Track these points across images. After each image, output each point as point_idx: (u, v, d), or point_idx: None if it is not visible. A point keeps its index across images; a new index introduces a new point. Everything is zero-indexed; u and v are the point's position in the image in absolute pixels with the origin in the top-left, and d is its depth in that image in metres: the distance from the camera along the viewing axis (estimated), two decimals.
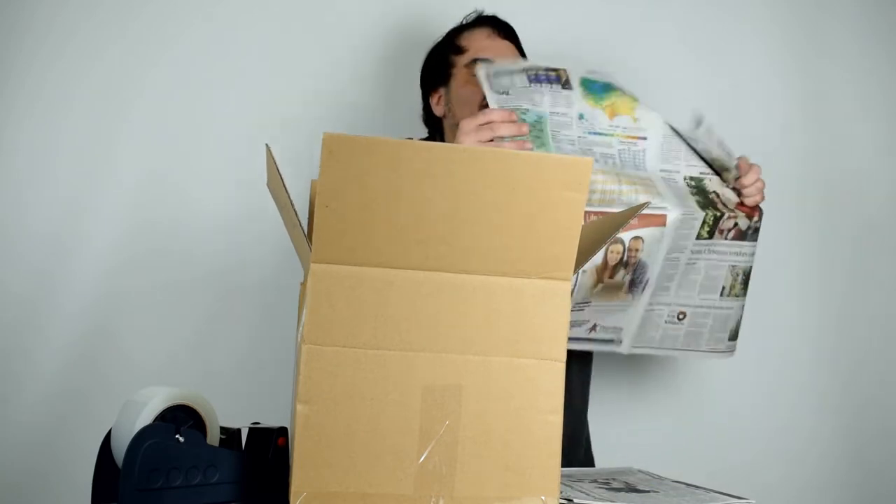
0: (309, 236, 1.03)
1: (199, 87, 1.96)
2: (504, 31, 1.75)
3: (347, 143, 0.98)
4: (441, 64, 1.76)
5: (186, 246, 1.93)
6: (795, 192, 2.11)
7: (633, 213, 1.20)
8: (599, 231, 1.20)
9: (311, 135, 1.09)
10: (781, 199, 1.84)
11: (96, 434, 1.12)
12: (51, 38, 1.91)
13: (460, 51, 1.74)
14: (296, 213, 1.06)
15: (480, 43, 1.73)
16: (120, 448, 1.05)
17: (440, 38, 1.79)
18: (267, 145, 1.11)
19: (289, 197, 1.06)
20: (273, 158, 1.09)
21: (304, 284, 1.07)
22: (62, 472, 1.80)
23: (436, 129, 1.81)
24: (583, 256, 1.10)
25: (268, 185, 1.17)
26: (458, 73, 1.73)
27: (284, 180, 1.06)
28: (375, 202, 1.00)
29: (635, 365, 2.01)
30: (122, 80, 1.93)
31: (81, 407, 1.83)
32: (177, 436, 1.03)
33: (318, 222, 1.00)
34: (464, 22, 1.78)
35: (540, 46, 1.80)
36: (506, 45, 1.73)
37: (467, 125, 1.48)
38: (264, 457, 1.09)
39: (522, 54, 1.76)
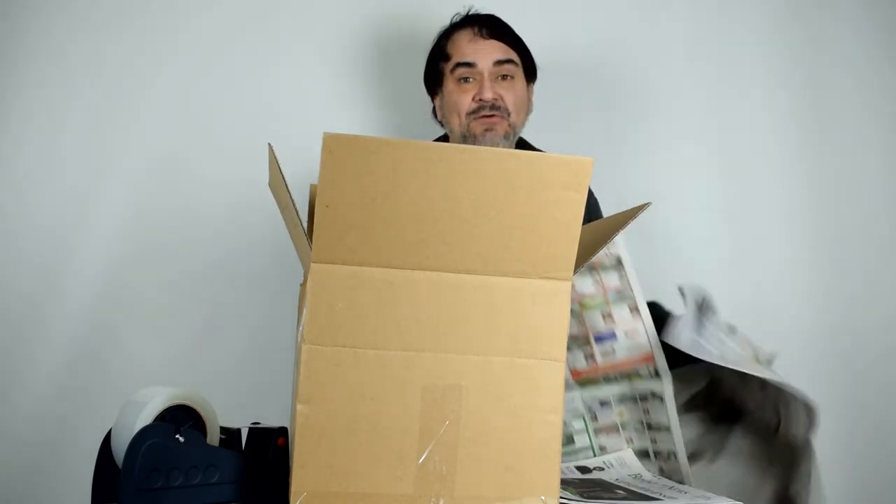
0: (309, 236, 1.03)
1: (200, 86, 1.96)
2: (489, 28, 1.70)
3: (347, 143, 0.98)
4: (433, 70, 1.75)
5: (186, 246, 1.94)
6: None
7: (633, 215, 1.19)
8: (599, 231, 1.20)
9: (312, 135, 1.09)
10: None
11: (96, 431, 1.12)
12: (56, 32, 1.91)
13: (446, 57, 1.71)
14: (297, 213, 1.06)
15: (463, 48, 1.70)
16: (120, 448, 1.05)
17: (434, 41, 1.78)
18: (269, 145, 1.12)
19: (290, 197, 1.06)
20: (275, 158, 1.09)
21: (303, 284, 1.07)
22: (62, 469, 1.80)
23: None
24: (583, 256, 1.10)
25: (269, 184, 1.17)
26: (447, 81, 1.71)
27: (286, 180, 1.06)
28: (375, 202, 1.00)
29: None
30: (125, 80, 1.93)
31: (82, 404, 1.84)
32: (177, 436, 1.03)
33: (318, 222, 1.00)
34: (451, 22, 1.76)
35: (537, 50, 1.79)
36: (491, 44, 1.69)
37: None
38: (264, 457, 1.08)
39: (517, 47, 1.73)
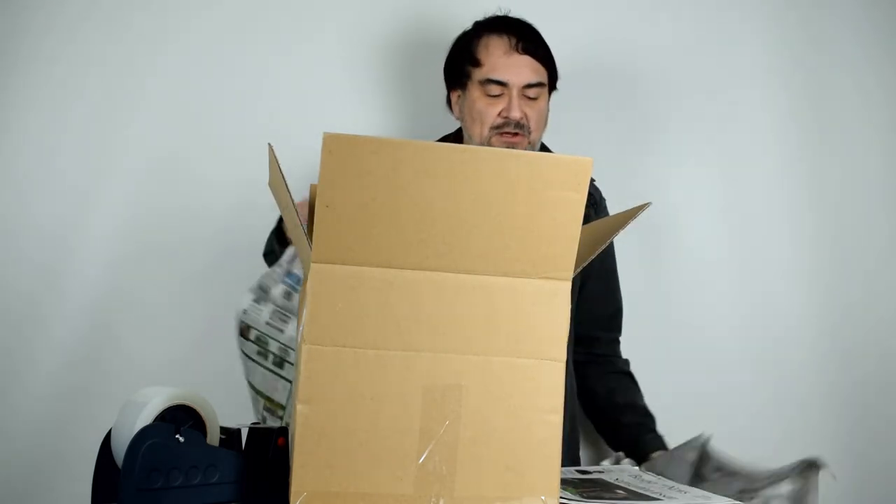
0: (309, 236, 1.03)
1: (200, 85, 1.96)
2: (525, 41, 1.68)
3: (347, 143, 0.99)
4: (459, 68, 1.71)
5: (186, 246, 1.93)
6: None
7: (633, 215, 1.19)
8: (599, 231, 1.20)
9: (312, 135, 1.09)
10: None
11: (96, 431, 1.12)
12: (56, 31, 1.91)
13: (476, 63, 1.68)
14: (297, 213, 1.06)
15: (497, 61, 1.67)
16: (120, 448, 1.05)
17: (465, 31, 1.74)
18: (269, 145, 1.12)
19: (290, 197, 1.06)
20: (275, 158, 1.09)
21: (304, 284, 1.07)
22: (62, 469, 1.80)
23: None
24: (583, 256, 1.10)
25: (269, 184, 1.17)
26: (472, 87, 1.69)
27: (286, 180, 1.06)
28: (375, 202, 1.00)
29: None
30: (125, 80, 1.93)
31: (82, 404, 1.84)
32: (177, 436, 1.03)
33: (318, 222, 1.00)
34: (485, 19, 1.71)
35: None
36: (524, 61, 1.67)
37: None
38: (264, 457, 1.09)
39: (546, 63, 1.71)
